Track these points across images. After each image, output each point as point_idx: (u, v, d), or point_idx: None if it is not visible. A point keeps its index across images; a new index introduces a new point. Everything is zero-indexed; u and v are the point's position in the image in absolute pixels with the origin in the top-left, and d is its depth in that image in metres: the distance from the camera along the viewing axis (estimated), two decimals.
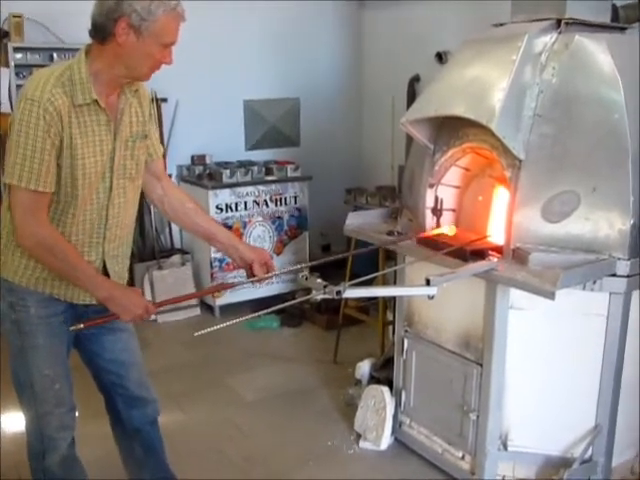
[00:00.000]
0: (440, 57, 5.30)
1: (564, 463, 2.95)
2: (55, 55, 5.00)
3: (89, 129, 2.22)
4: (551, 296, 2.50)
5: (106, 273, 2.41)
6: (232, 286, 2.73)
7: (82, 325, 2.29)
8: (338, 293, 2.25)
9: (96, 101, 2.19)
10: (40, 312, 2.33)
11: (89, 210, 2.30)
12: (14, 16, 4.81)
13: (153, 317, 4.89)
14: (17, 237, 2.22)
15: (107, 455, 2.94)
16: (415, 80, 5.68)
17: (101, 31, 2.14)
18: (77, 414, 2.55)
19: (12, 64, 4.84)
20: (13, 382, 2.44)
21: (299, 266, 2.44)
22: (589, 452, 2.95)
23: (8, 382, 2.46)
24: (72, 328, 2.32)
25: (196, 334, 2.05)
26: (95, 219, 2.33)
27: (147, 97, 2.45)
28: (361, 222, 3.54)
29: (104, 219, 2.35)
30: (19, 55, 4.90)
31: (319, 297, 2.34)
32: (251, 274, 2.49)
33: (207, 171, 5.51)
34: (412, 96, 5.61)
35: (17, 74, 4.89)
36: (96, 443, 3.07)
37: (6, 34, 4.82)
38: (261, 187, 5.49)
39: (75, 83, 2.16)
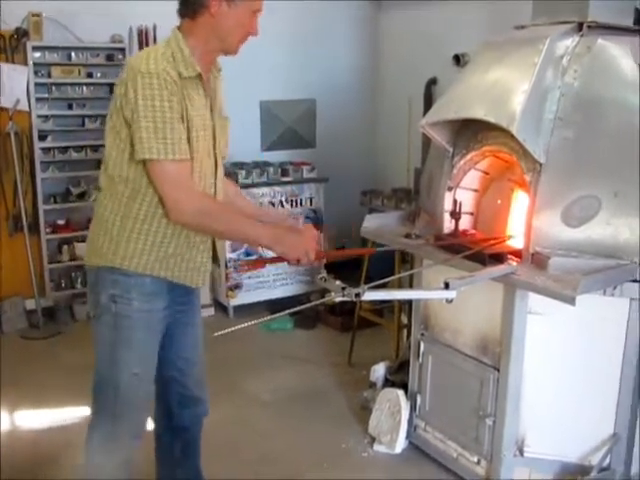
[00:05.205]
0: (458, 59, 5.27)
1: (581, 471, 2.93)
2: (73, 54, 5.04)
3: (195, 103, 2.23)
4: (572, 301, 2.47)
5: (214, 250, 2.44)
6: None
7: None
8: (357, 295, 2.24)
9: (200, 75, 2.22)
10: (143, 306, 2.30)
11: (202, 187, 2.30)
12: (33, 15, 4.84)
13: None
14: (174, 214, 2.18)
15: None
16: (432, 83, 5.65)
17: (192, 5, 2.18)
18: None
19: (31, 63, 4.88)
20: (94, 381, 2.39)
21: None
22: (607, 460, 2.92)
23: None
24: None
25: (216, 334, 2.04)
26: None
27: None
28: (378, 224, 3.53)
29: (213, 195, 2.37)
30: (38, 54, 4.95)
31: (337, 299, 2.33)
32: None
33: None
34: (429, 99, 5.60)
35: (36, 72, 4.93)
36: None
37: (25, 33, 4.85)
38: (277, 188, 5.49)
39: (177, 60, 2.18)
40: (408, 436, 3.52)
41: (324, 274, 2.43)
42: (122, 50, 5.16)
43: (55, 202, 5.20)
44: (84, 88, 5.14)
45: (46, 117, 5.06)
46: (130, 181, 2.22)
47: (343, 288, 2.27)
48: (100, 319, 2.34)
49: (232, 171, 5.37)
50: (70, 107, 5.17)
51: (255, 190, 5.36)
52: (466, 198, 3.24)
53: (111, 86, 4.91)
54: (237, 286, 5.35)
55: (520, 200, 3.09)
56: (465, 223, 3.26)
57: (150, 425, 2.54)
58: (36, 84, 4.93)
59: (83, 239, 2.54)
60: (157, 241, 2.27)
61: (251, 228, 2.27)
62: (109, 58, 5.16)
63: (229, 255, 5.24)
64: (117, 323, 2.30)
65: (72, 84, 5.09)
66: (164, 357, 2.51)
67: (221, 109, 2.44)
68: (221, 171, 2.44)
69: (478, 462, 3.17)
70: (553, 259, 2.72)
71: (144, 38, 5.19)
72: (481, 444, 3.12)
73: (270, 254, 2.34)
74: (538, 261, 2.79)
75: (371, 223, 3.52)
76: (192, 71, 2.19)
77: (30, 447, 3.52)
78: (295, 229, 2.38)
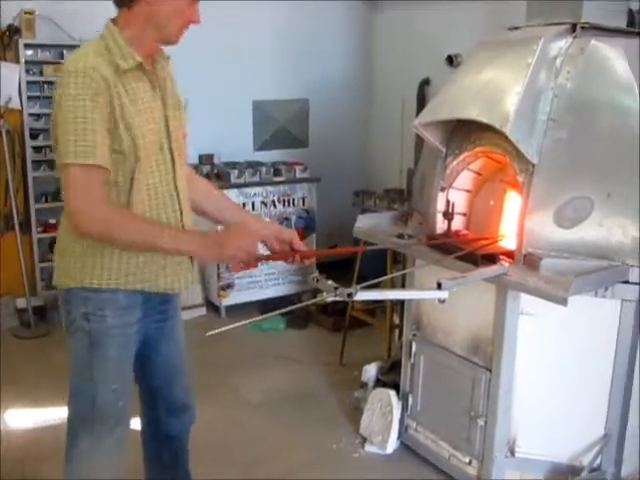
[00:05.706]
0: (451, 60, 5.27)
1: (572, 471, 2.93)
2: (65, 52, 5.00)
3: (138, 96, 2.11)
4: (563, 302, 2.47)
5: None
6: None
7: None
8: (349, 295, 2.22)
9: (141, 64, 2.11)
10: (116, 321, 2.19)
11: (159, 183, 2.18)
12: (25, 12, 4.82)
13: None
14: (79, 225, 2.01)
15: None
16: (425, 83, 5.66)
17: None
18: None
19: (22, 60, 4.86)
20: (69, 400, 2.30)
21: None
22: (598, 461, 2.92)
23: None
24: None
25: (208, 334, 2.03)
26: (166, 194, 2.21)
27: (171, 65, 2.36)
28: (371, 224, 3.52)
29: (175, 193, 2.23)
30: (30, 52, 4.93)
31: (329, 299, 2.31)
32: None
33: (215, 171, 5.49)
34: (422, 99, 5.60)
35: (27, 71, 4.92)
36: None
37: (17, 30, 4.83)
38: (269, 188, 5.48)
39: (113, 51, 2.07)
40: (399, 436, 3.52)
41: (316, 274, 2.42)
42: None
43: (46, 201, 5.17)
44: None
45: (38, 116, 5.04)
46: None
47: (335, 288, 2.25)
48: (74, 337, 2.24)
49: (224, 170, 5.37)
50: None
51: (247, 190, 5.34)
52: (459, 199, 3.24)
53: None
54: (229, 286, 5.34)
55: (513, 201, 3.09)
56: (458, 224, 3.26)
57: (137, 431, 2.50)
58: (28, 82, 4.91)
59: None
60: (124, 252, 2.15)
61: (175, 238, 2.11)
62: None
63: None
64: (91, 341, 2.20)
65: None
66: (149, 367, 2.45)
67: (178, 100, 2.31)
68: (181, 166, 2.29)
69: (469, 462, 3.17)
70: (545, 260, 2.72)
71: None
72: (472, 444, 3.12)
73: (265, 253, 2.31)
74: (530, 262, 2.79)
75: (363, 223, 3.51)
76: (132, 62, 2.09)
77: (20, 446, 3.51)
78: (233, 227, 2.24)
